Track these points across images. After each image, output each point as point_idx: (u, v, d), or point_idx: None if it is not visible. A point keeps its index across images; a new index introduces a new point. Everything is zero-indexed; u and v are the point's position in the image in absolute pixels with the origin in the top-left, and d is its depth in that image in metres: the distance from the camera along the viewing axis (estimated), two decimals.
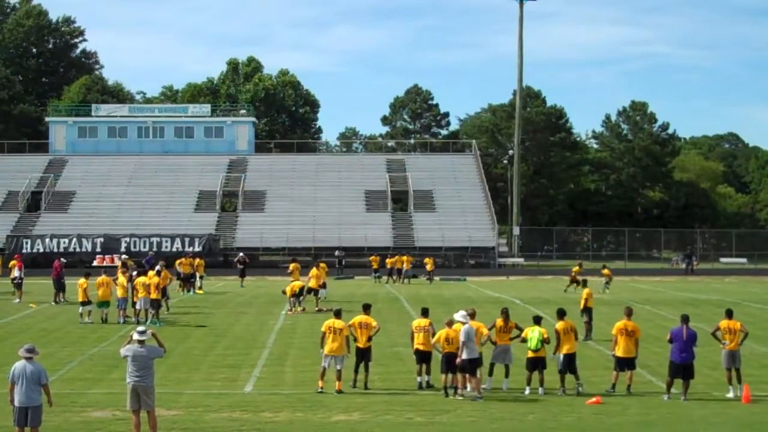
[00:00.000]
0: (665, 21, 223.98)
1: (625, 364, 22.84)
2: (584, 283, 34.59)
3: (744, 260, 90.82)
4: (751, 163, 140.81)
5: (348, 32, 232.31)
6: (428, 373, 23.23)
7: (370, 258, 65.81)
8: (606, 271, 55.53)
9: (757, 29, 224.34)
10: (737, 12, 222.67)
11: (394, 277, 62.94)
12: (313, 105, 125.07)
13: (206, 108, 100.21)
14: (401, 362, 26.60)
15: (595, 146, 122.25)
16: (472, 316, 23.21)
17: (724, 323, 22.88)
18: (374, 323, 23.41)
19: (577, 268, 55.22)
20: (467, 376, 22.12)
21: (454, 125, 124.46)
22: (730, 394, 22.25)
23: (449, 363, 22.04)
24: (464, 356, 21.73)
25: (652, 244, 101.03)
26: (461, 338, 21.86)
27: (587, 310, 32.59)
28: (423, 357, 23.13)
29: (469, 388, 22.19)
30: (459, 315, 22.57)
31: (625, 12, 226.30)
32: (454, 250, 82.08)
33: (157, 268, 39.25)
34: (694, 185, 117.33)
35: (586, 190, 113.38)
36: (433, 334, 22.80)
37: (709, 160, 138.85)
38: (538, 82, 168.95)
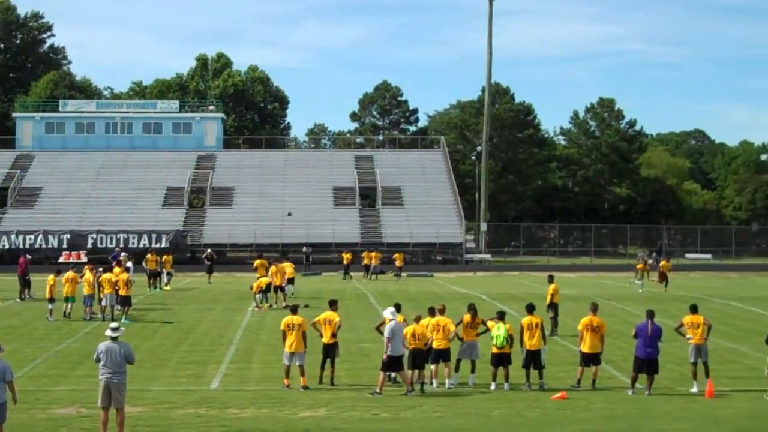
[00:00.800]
0: (636, 18, 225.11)
1: (590, 359, 22.98)
2: (551, 279, 34.73)
3: (709, 256, 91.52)
4: (717, 159, 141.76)
5: (317, 28, 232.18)
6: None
7: (342, 254, 65.68)
8: (640, 265, 57.55)
9: (726, 26, 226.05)
10: (708, 9, 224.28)
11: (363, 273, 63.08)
12: (282, 101, 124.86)
13: (175, 104, 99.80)
14: (367, 358, 26.67)
15: (563, 143, 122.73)
16: (441, 311, 23.34)
17: (687, 318, 23.13)
18: (337, 319, 23.41)
19: (641, 265, 57.42)
20: (417, 371, 22.25)
21: (423, 122, 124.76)
22: (694, 389, 22.45)
23: (415, 359, 22.14)
24: (389, 352, 21.82)
25: (619, 240, 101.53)
26: (385, 334, 22.01)
27: (553, 306, 32.77)
28: None
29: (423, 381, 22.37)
30: (388, 311, 22.71)
31: (595, 9, 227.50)
32: (422, 246, 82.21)
33: (128, 264, 39.11)
34: (661, 182, 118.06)
35: (554, 187, 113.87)
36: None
37: (676, 157, 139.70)
38: (507, 79, 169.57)
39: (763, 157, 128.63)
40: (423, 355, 22.34)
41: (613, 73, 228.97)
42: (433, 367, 22.88)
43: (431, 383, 22.74)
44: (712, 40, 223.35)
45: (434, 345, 22.65)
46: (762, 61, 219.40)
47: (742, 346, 28.82)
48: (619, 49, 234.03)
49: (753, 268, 79.34)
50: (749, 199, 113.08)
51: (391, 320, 22.31)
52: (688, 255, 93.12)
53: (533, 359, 22.80)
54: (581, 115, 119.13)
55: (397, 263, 63.66)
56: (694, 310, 23.30)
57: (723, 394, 22.13)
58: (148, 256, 51.77)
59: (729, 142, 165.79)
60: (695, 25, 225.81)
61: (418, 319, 22.76)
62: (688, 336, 22.90)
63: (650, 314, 22.49)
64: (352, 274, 62.50)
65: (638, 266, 55.96)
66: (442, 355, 22.85)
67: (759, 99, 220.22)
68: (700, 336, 22.76)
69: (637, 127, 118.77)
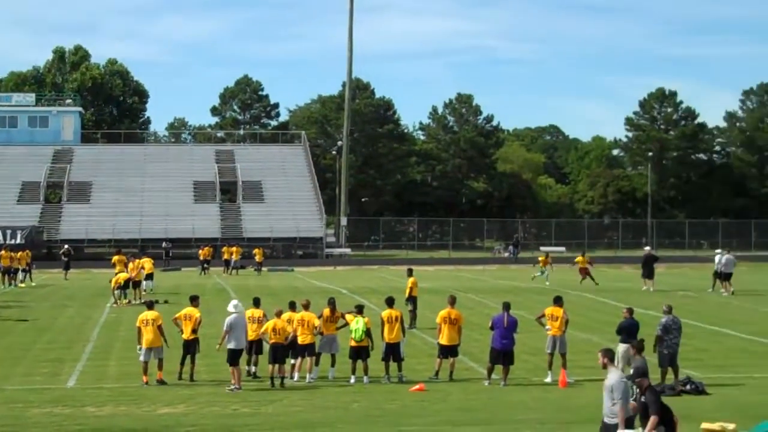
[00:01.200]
0: (492, 14, 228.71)
1: (448, 351, 23.35)
2: (410, 272, 35.12)
3: (563, 249, 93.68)
4: (571, 154, 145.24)
5: (177, 22, 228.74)
6: (255, 363, 23.38)
7: (202, 249, 65.07)
8: (542, 258, 55.36)
9: (579, 24, 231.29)
10: (562, 7, 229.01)
11: (223, 269, 62.72)
12: (141, 95, 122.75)
13: (30, 97, 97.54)
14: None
15: (422, 138, 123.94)
16: (306, 306, 23.47)
17: (549, 310, 23.65)
18: (197, 314, 23.34)
19: (543, 257, 55.18)
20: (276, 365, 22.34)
21: (284, 116, 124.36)
22: (548, 379, 23.06)
23: (275, 353, 22.23)
24: (230, 345, 21.93)
25: (476, 233, 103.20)
26: (224, 327, 22.17)
27: (412, 299, 33.18)
28: (253, 346, 23.27)
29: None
30: (231, 305, 22.76)
31: (453, 5, 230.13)
32: (282, 241, 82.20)
33: None
34: (517, 176, 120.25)
35: (413, 181, 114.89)
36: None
37: (531, 152, 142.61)
38: (368, 74, 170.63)
39: (615, 152, 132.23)
40: (284, 350, 22.43)
41: (471, 68, 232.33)
42: (295, 361, 23.00)
43: (292, 377, 22.86)
44: (565, 37, 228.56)
45: (299, 340, 22.76)
46: (614, 57, 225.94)
47: (594, 336, 29.62)
48: (475, 45, 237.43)
49: (605, 260, 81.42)
50: (601, 193, 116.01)
51: (232, 314, 22.31)
52: (542, 248, 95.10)
53: (392, 352, 23.10)
54: (440, 110, 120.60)
55: (257, 258, 63.47)
56: (557, 301, 23.84)
57: (576, 383, 22.73)
58: (2, 252, 50.56)
59: (582, 137, 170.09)
60: (549, 22, 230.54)
61: (279, 314, 22.85)
62: (547, 327, 23.51)
63: (506, 306, 22.99)
64: (212, 269, 62.12)
65: (540, 258, 55.46)
66: (307, 350, 22.99)
67: (611, 95, 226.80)
68: (558, 328, 23.35)
69: (494, 123, 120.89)
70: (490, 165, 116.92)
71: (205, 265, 62.28)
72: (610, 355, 13.91)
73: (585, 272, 52.03)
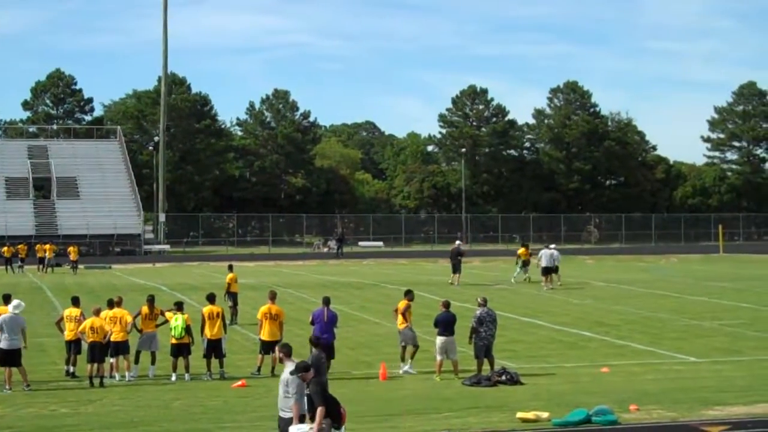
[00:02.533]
0: (308, 10, 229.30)
1: (270, 347, 23.46)
2: (230, 268, 35.12)
3: (380, 243, 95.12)
4: (387, 150, 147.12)
5: None
6: (74, 363, 23.02)
7: (18, 246, 63.23)
8: (522, 250, 51.42)
9: (392, 21, 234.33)
10: (375, 4, 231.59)
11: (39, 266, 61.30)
12: None
13: None
14: (44, 354, 26.11)
15: (240, 133, 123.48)
16: (118, 303, 23.23)
17: (402, 303, 23.93)
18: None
19: (523, 249, 51.26)
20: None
21: (99, 111, 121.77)
22: (402, 370, 23.52)
23: (93, 352, 21.95)
24: (2, 346, 21.62)
25: (295, 229, 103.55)
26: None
27: (232, 295, 33.20)
28: (72, 345, 22.91)
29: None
30: (11, 305, 22.30)
31: (269, 1, 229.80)
32: (99, 238, 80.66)
33: None
34: (334, 172, 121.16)
35: (231, 177, 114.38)
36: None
37: (348, 148, 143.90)
38: (184, 69, 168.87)
39: (430, 148, 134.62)
40: (102, 349, 22.16)
41: (288, 65, 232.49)
42: (112, 360, 22.76)
43: (111, 376, 22.63)
44: (380, 34, 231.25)
45: (112, 338, 22.53)
46: (428, 55, 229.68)
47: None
48: (292, 41, 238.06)
49: (421, 254, 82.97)
50: (417, 188, 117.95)
51: (10, 314, 21.80)
52: (361, 243, 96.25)
53: (214, 349, 23.13)
54: (257, 106, 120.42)
55: (72, 257, 61.87)
56: (406, 294, 24.26)
57: (397, 376, 23.18)
58: None
59: (398, 133, 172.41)
60: (364, 19, 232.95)
61: (97, 312, 22.56)
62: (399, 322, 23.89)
63: (326, 301, 23.31)
64: (26, 267, 60.70)
65: (519, 251, 51.32)
66: (121, 348, 22.78)
67: (426, 92, 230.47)
68: (400, 321, 23.75)
69: (311, 119, 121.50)
70: (307, 161, 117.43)
71: (20, 263, 60.75)
72: (285, 350, 14.03)
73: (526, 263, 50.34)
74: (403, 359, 23.80)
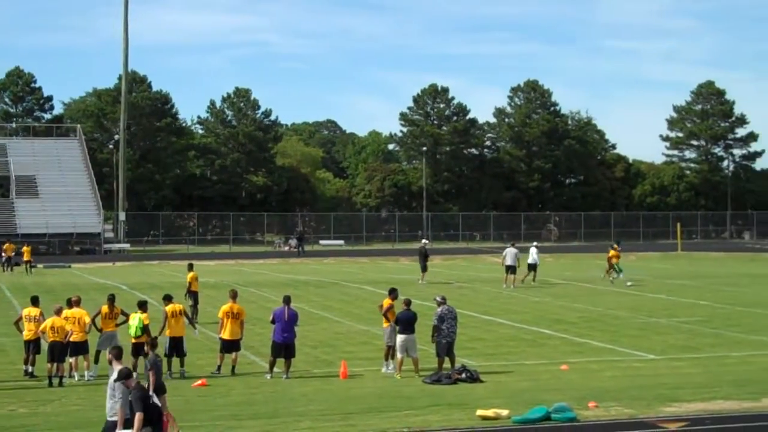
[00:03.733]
0: (269, 9, 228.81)
1: (230, 346, 23.52)
2: (190, 267, 35.00)
3: (341, 242, 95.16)
4: (348, 149, 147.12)
5: None
6: (33, 363, 22.90)
7: None
8: (612, 252, 49.90)
9: (354, 20, 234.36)
10: (337, 3, 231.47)
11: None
12: None
13: None
14: (3, 353, 25.98)
15: (201, 132, 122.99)
16: (76, 303, 23.13)
17: (387, 301, 23.98)
18: None
19: (613, 252, 49.70)
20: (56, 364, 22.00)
21: (59, 109, 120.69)
22: (385, 370, 23.59)
23: (53, 352, 21.85)
24: None
25: (256, 227, 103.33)
26: None
27: (192, 294, 33.14)
28: (31, 345, 22.79)
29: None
30: None
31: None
32: (59, 237, 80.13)
33: None
34: (296, 170, 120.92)
35: (192, 175, 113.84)
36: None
37: (309, 146, 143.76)
38: (144, 67, 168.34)
39: (391, 146, 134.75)
40: (62, 348, 22.08)
41: (248, 63, 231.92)
42: (71, 360, 22.66)
43: (71, 376, 22.53)
44: (341, 32, 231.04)
45: (71, 338, 22.44)
46: (389, 54, 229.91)
47: (373, 328, 30.19)
48: (252, 40, 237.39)
49: (382, 252, 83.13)
50: (378, 186, 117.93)
51: None
52: (322, 241, 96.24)
53: (176, 347, 23.11)
54: (218, 104, 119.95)
55: (25, 257, 60.83)
56: (391, 292, 24.24)
57: (357, 374, 23.28)
58: None
59: (359, 132, 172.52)
60: (324, 18, 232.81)
61: (58, 311, 22.47)
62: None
63: (287, 300, 23.35)
64: None
65: (611, 254, 49.20)
66: (80, 348, 22.69)
67: (387, 91, 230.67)
68: (384, 322, 23.82)
69: (273, 117, 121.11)
70: (269, 159, 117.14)
71: None
72: (115, 352, 14.08)
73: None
74: (386, 358, 23.87)
